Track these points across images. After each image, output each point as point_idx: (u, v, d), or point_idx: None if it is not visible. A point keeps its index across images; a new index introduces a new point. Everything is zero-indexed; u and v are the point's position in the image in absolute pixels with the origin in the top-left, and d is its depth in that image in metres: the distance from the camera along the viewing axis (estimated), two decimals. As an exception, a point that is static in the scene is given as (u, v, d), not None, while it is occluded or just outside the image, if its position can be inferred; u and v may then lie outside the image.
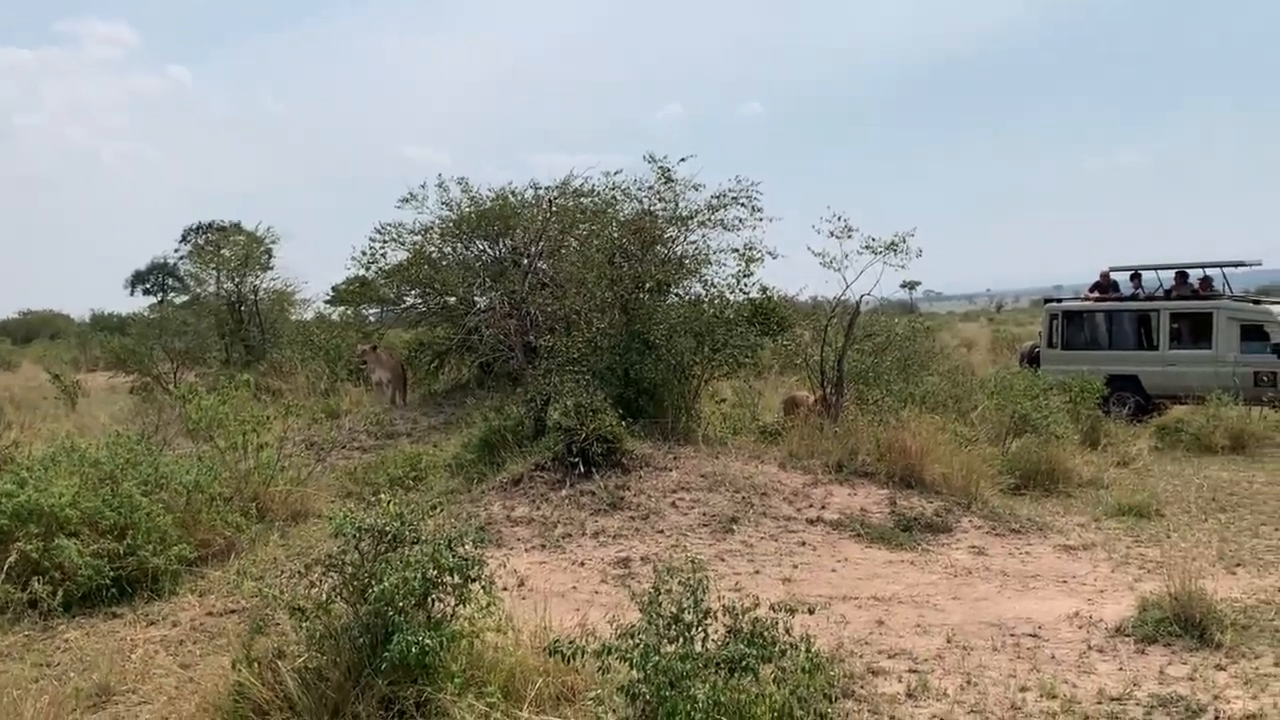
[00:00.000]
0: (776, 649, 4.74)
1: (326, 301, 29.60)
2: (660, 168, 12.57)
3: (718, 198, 12.75)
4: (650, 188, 12.74)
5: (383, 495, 6.25)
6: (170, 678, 6.54)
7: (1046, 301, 20.90)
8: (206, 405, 10.14)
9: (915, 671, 6.40)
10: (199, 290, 28.68)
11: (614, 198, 13.83)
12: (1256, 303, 18.78)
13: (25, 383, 28.39)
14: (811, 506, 9.83)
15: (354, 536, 5.79)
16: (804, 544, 9.07)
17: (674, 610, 4.96)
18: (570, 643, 4.79)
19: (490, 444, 11.52)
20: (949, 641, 6.94)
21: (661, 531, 9.21)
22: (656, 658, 4.58)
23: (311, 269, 79.40)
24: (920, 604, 7.77)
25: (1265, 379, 17.13)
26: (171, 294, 57.16)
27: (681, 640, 4.83)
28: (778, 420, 13.79)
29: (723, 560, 8.58)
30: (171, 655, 6.94)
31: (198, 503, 9.04)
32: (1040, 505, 11.13)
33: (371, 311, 21.70)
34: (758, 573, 8.35)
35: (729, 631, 4.96)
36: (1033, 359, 19.65)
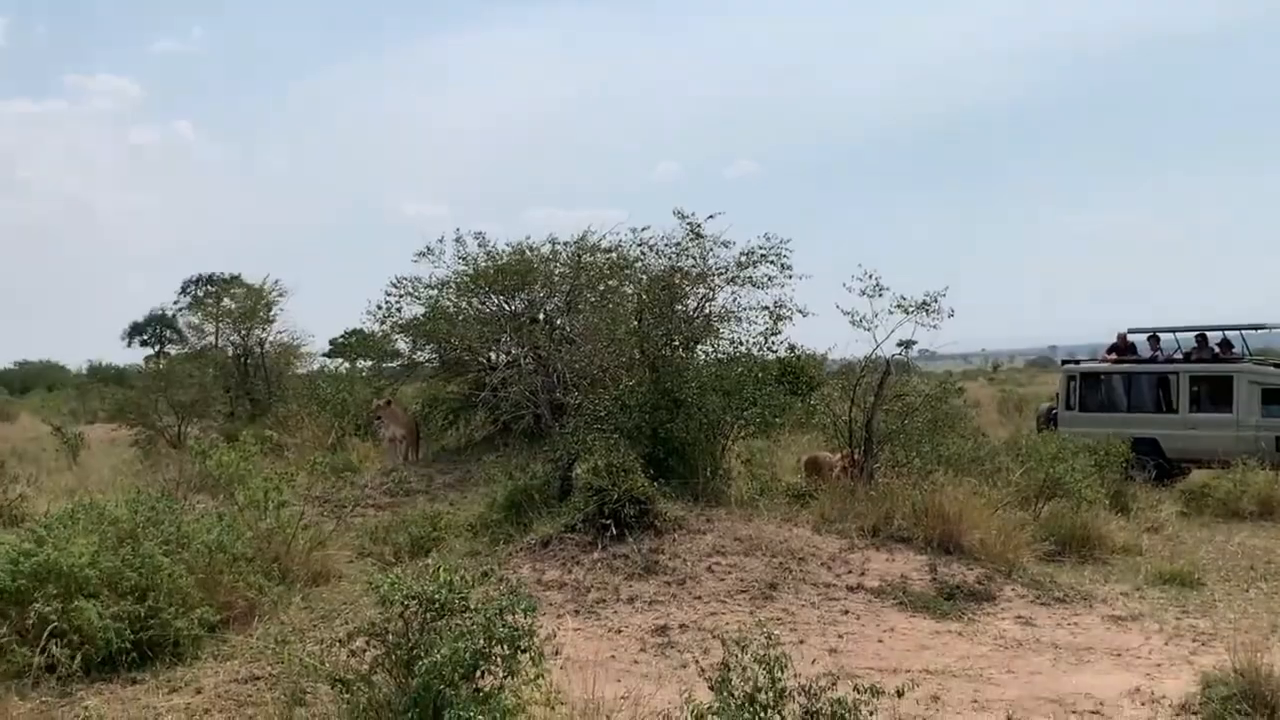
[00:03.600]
0: (861, 733, 4.48)
1: (324, 355, 29.43)
2: (689, 224, 12.45)
3: (747, 254, 12.62)
4: (677, 244, 12.61)
5: (430, 560, 5.99)
6: (199, 750, 6.27)
7: (1064, 363, 20.75)
8: (228, 461, 9.86)
9: (979, 752, 6.13)
10: (199, 342, 28.54)
11: (641, 253, 13.67)
12: (1278, 366, 18.61)
13: (24, 434, 28.11)
14: (850, 573, 9.56)
15: (401, 604, 5.53)
16: (847, 612, 8.79)
17: (748, 690, 4.70)
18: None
19: (516, 504, 11.24)
20: (1009, 719, 6.66)
21: (699, 598, 8.93)
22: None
23: (311, 322, 79.29)
24: (974, 678, 7.48)
25: (1288, 444, 16.90)
26: (169, 346, 57.07)
27: (757, 721, 4.57)
28: (801, 481, 13.54)
29: (762, 628, 8.28)
30: (197, 725, 6.65)
31: (219, 563, 8.72)
32: (1079, 573, 10.84)
33: (367, 365, 21.57)
34: (802, 642, 8.04)
35: (806, 714, 4.70)
36: (1050, 420, 19.44)
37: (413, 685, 5.27)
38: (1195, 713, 6.67)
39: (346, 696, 5.47)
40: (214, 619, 8.26)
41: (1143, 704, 6.93)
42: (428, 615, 5.53)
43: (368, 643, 5.62)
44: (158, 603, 7.83)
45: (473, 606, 5.55)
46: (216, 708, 6.92)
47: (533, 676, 5.47)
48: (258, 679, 7.37)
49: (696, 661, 5.69)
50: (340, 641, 5.85)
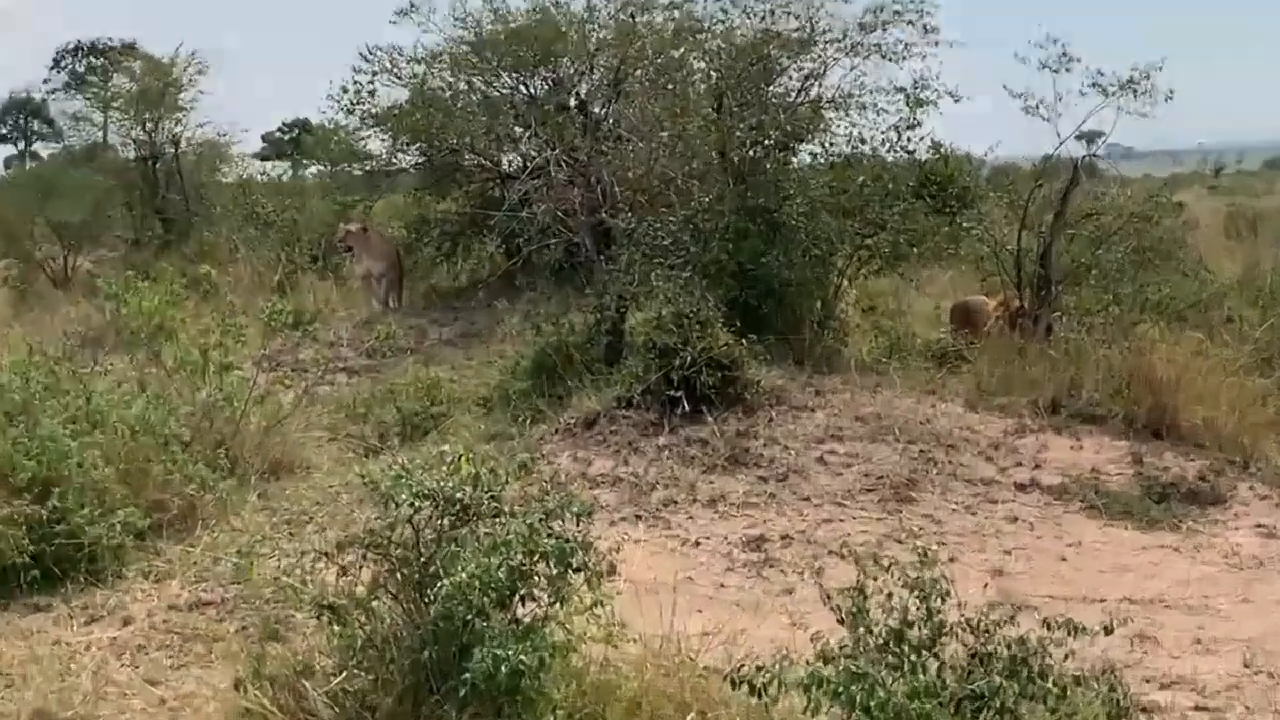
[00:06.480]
0: (1051, 684, 4.63)
1: (257, 156, 29.20)
2: (789, -33, 12.34)
3: (873, 12, 12.51)
4: (772, -2, 12.52)
5: (446, 447, 6.10)
6: (135, 699, 6.49)
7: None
8: (149, 307, 10.01)
9: (1204, 709, 6.31)
10: (82, 139, 28.49)
11: (720, 11, 13.56)
12: None
13: None
14: (1020, 465, 9.74)
15: (410, 506, 5.65)
16: (1015, 520, 8.98)
17: (893, 625, 4.85)
18: (762, 670, 4.69)
19: (546, 369, 11.41)
20: (1246, 666, 6.84)
21: (807, 499, 9.13)
22: (882, 694, 4.48)
23: (240, 113, 78.66)
24: (1196, 610, 7.67)
25: None
26: (37, 143, 57.26)
27: (906, 667, 4.73)
28: (948, 336, 13.61)
29: (899, 542, 8.47)
30: (130, 666, 6.87)
31: (145, 449, 8.92)
32: (1346, 466, 10.94)
33: (325, 170, 21.65)
34: (954, 560, 8.21)
35: (972, 656, 4.85)
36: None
37: (429, 614, 5.45)
38: None
39: (339, 630, 5.64)
40: (142, 524, 8.44)
41: None
42: (446, 521, 5.67)
43: (364, 557, 5.78)
44: (65, 502, 7.98)
45: (507, 510, 5.69)
46: (154, 643, 7.11)
47: (589, 604, 5.61)
48: (207, 605, 7.60)
49: (818, 584, 5.84)
50: (325, 555, 6.02)
